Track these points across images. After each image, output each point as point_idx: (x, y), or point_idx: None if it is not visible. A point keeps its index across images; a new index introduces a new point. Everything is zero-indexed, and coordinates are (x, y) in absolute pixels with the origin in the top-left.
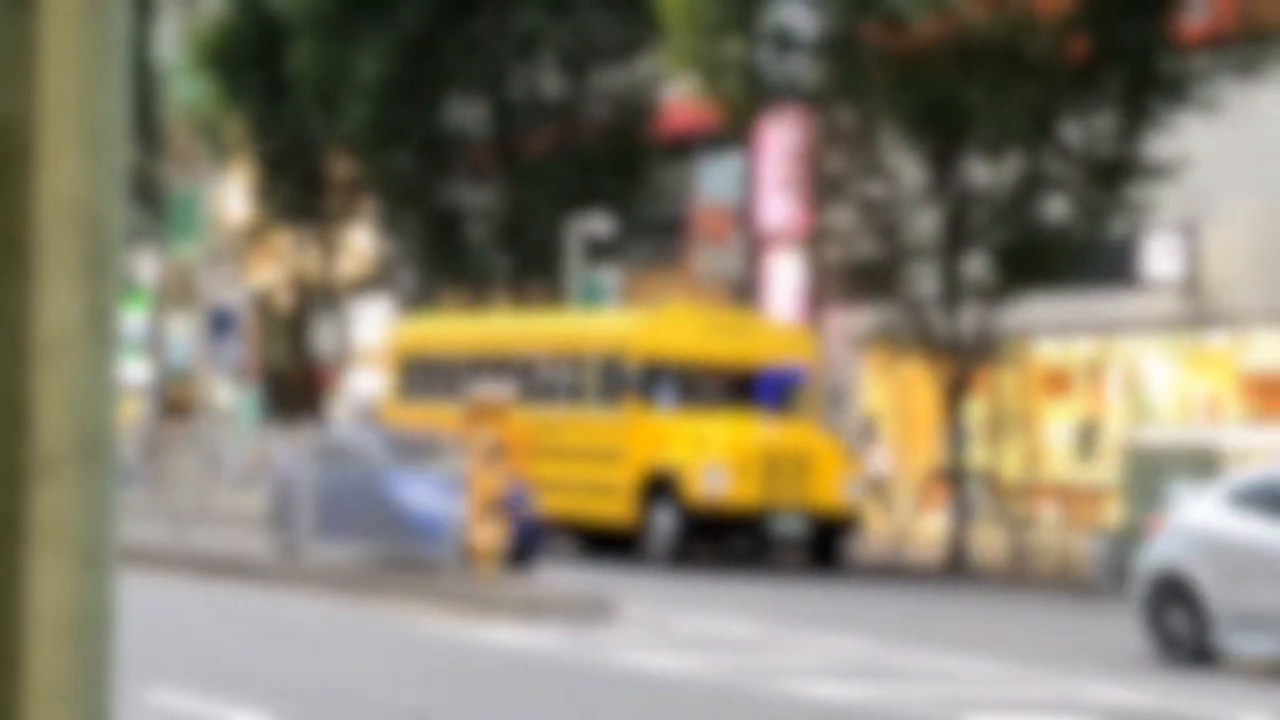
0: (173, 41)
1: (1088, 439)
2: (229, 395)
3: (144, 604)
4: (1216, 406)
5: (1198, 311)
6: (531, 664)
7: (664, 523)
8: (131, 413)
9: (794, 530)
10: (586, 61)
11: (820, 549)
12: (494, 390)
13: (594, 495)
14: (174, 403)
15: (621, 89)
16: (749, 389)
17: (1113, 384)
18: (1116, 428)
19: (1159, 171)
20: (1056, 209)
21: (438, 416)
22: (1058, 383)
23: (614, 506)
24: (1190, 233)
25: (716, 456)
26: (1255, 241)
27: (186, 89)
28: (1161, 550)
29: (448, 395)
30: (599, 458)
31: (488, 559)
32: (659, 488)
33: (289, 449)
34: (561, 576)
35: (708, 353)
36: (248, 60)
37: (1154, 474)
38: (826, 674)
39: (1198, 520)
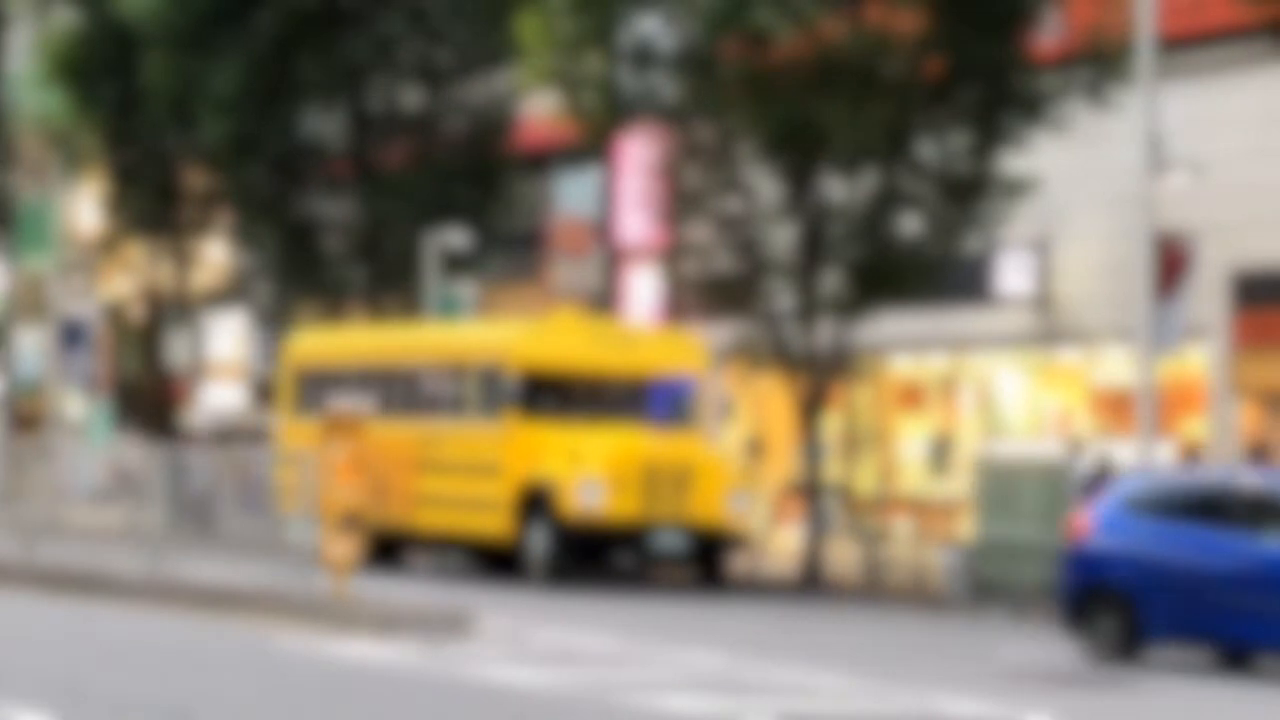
0: (24, 52)
1: (941, 453)
2: (80, 408)
3: None
4: (1067, 421)
5: (1049, 328)
6: (385, 679)
7: (540, 539)
8: None
9: (674, 546)
10: (444, 74)
11: (705, 565)
12: (350, 404)
13: (473, 511)
14: (24, 416)
15: (480, 102)
16: (639, 401)
17: (966, 399)
18: (969, 442)
19: (1012, 189)
20: (911, 225)
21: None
22: (912, 398)
23: (492, 522)
24: (1042, 250)
25: (592, 470)
26: (1105, 258)
27: (38, 99)
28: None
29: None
30: (478, 472)
31: (343, 573)
32: (536, 503)
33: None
34: (420, 591)
35: (594, 363)
36: (100, 71)
37: (1006, 488)
38: (681, 687)
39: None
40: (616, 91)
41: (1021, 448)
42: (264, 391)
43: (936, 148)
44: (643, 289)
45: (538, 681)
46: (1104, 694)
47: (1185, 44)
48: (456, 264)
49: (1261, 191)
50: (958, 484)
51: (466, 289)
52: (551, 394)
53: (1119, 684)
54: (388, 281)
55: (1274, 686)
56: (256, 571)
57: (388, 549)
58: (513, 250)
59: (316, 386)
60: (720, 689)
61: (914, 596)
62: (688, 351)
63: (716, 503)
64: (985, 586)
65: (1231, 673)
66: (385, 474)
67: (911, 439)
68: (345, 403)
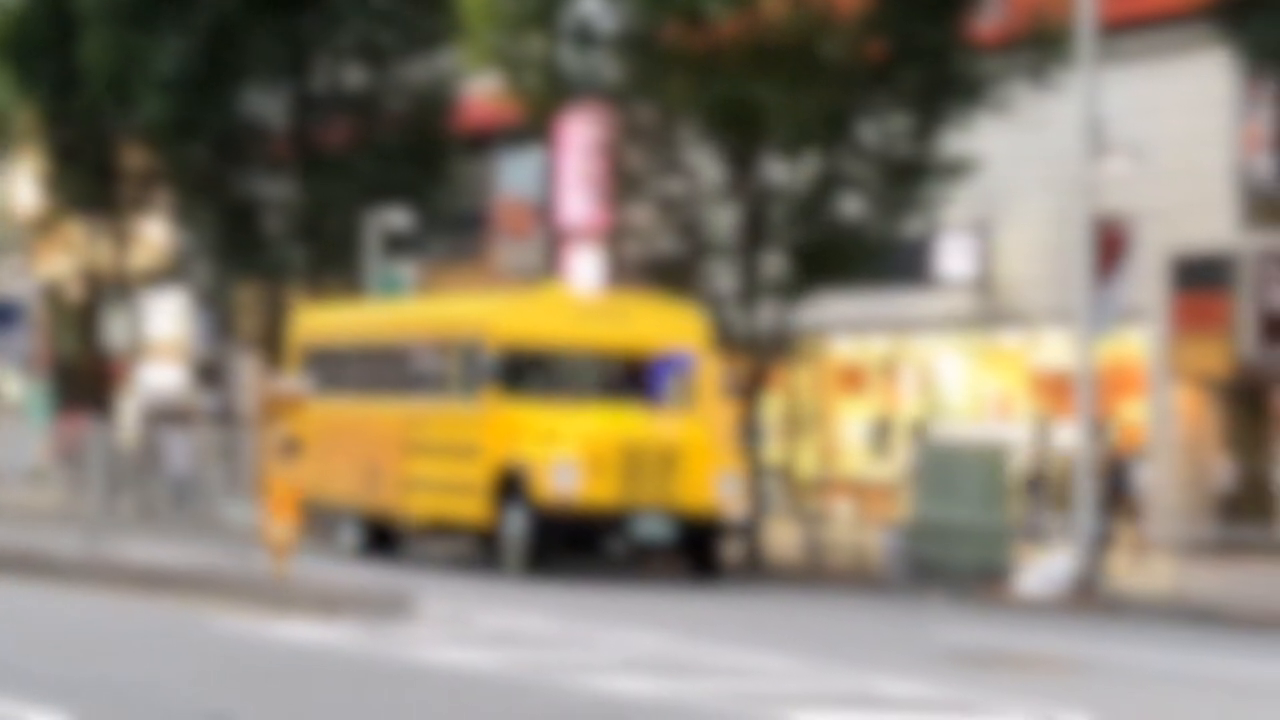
0: None
1: (882, 435)
2: (17, 388)
3: None
4: (1007, 404)
5: (990, 310)
6: (325, 660)
7: (516, 525)
8: None
9: (657, 533)
10: (387, 54)
11: (695, 553)
12: (289, 384)
13: (454, 495)
14: None
15: (422, 82)
16: (632, 378)
17: (907, 381)
18: (910, 424)
19: (952, 171)
20: (853, 208)
21: (338, 413)
22: (853, 380)
23: (471, 508)
24: (983, 233)
25: (567, 451)
26: (1045, 241)
27: None
28: None
29: (349, 389)
30: (459, 454)
31: (282, 554)
32: (512, 487)
33: (182, 442)
34: (362, 573)
35: (582, 339)
36: (39, 49)
37: (944, 470)
38: (622, 669)
39: None
40: (558, 72)
41: (960, 429)
42: (203, 372)
43: (878, 130)
44: (584, 270)
45: (476, 662)
46: (1043, 673)
47: (1126, 28)
48: (398, 244)
49: (1200, 176)
50: (898, 466)
51: (408, 269)
52: (535, 371)
53: (1060, 664)
54: (329, 262)
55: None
56: (197, 552)
57: (383, 537)
58: (454, 231)
59: (322, 364)
60: (660, 670)
61: (854, 578)
62: (685, 325)
63: (704, 487)
64: (924, 568)
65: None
66: (376, 457)
67: (852, 421)
68: (285, 382)
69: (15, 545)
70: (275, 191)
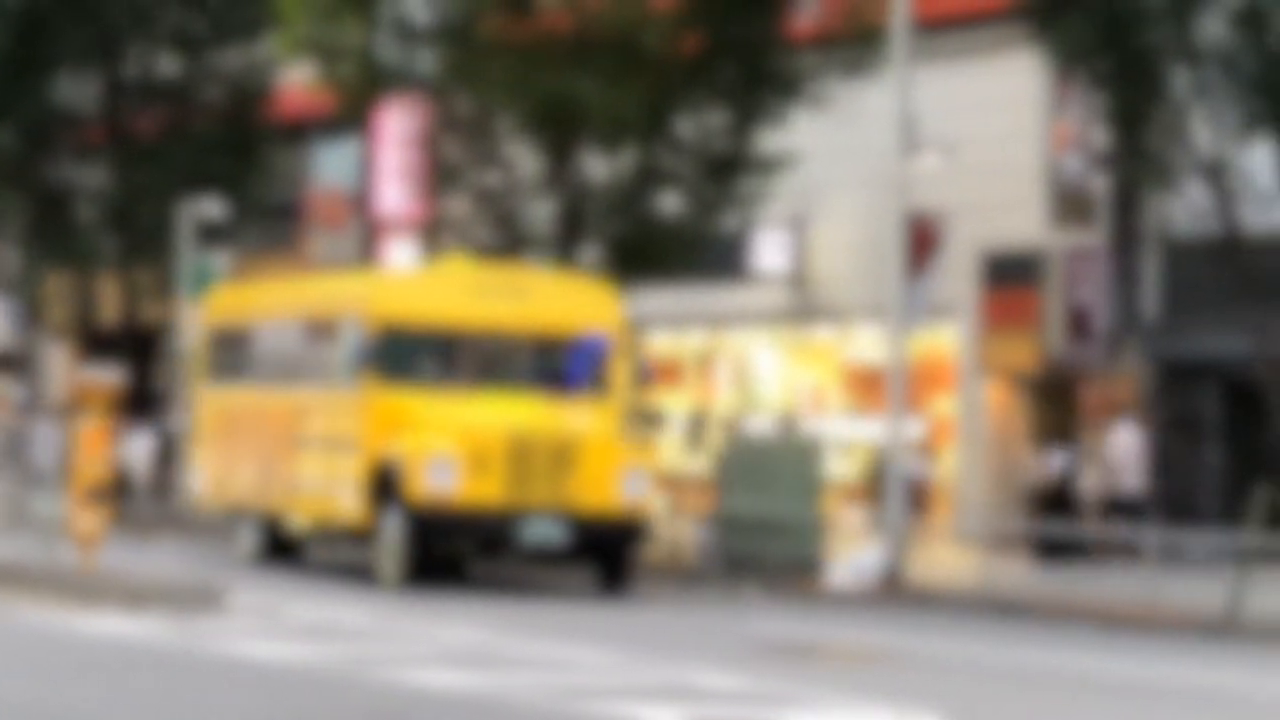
0: None
1: (697, 429)
2: None
3: None
4: (821, 398)
5: (804, 305)
6: (132, 653)
7: (392, 528)
8: None
9: (550, 537)
10: (201, 42)
11: (597, 561)
12: (99, 372)
13: (334, 495)
14: None
15: (237, 71)
16: (541, 363)
17: (722, 375)
18: (725, 418)
19: (769, 167)
20: (670, 203)
21: (237, 403)
22: (669, 373)
23: (348, 509)
24: (798, 228)
25: (444, 445)
26: (859, 237)
27: None
28: None
29: (259, 380)
30: (339, 449)
31: (90, 546)
32: (387, 486)
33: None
34: (170, 565)
35: (480, 318)
36: None
37: (756, 464)
38: (435, 662)
39: None
40: (375, 62)
41: (770, 424)
42: (8, 361)
43: (695, 125)
44: (401, 262)
45: (286, 655)
46: (853, 664)
47: (940, 26)
48: (211, 234)
49: (1010, 174)
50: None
51: (221, 260)
52: (422, 355)
53: (869, 655)
54: (141, 251)
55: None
56: (2, 544)
57: (284, 547)
58: (269, 221)
59: (226, 349)
60: (475, 664)
61: (669, 571)
62: (598, 304)
63: (606, 485)
64: (737, 561)
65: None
66: (270, 453)
67: (668, 414)
68: (93, 371)
69: None
70: (87, 179)
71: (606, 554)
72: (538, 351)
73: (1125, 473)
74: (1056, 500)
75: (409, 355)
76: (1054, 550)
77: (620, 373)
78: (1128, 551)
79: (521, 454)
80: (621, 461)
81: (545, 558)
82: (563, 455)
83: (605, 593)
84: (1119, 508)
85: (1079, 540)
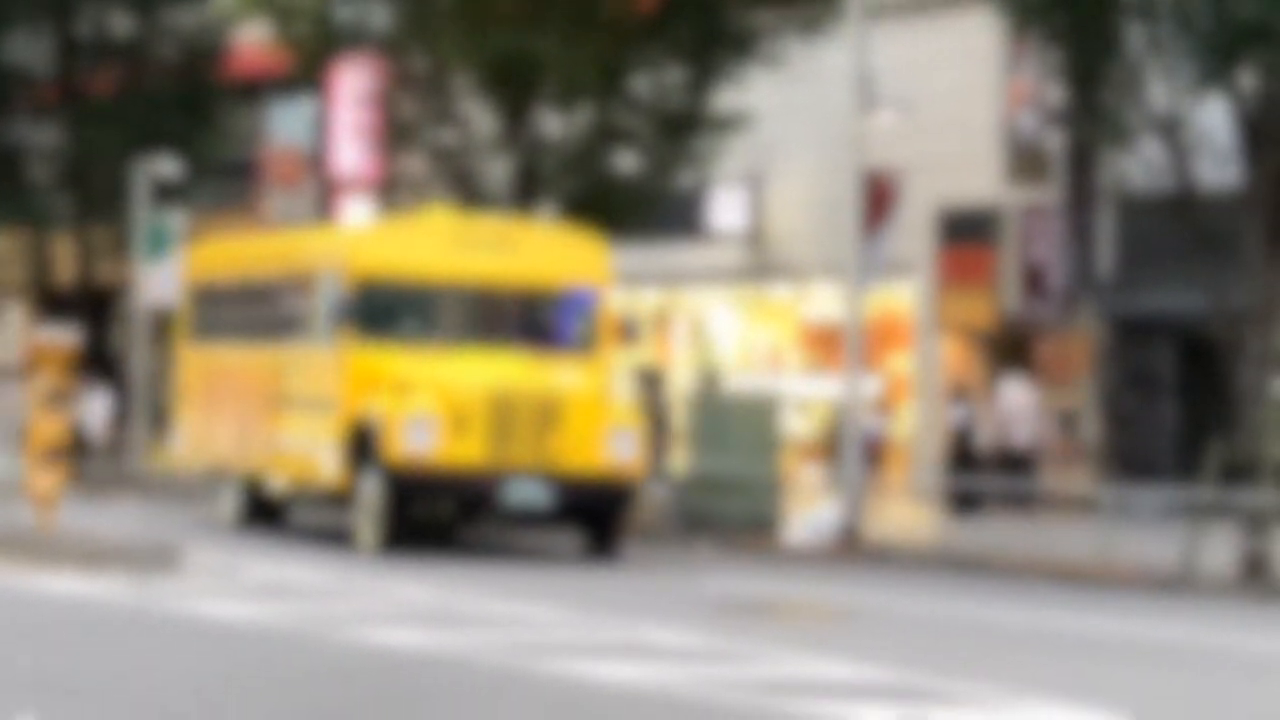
0: None
1: (652, 387)
2: None
3: None
4: (778, 356)
5: (760, 263)
6: (90, 613)
7: (369, 490)
8: None
9: (534, 499)
10: (155, 0)
11: (583, 524)
12: (55, 333)
13: (312, 455)
14: None
15: (191, 30)
16: (526, 318)
17: (679, 333)
18: (682, 376)
19: (725, 125)
20: (627, 161)
21: (217, 362)
22: (625, 332)
23: (326, 469)
24: (754, 186)
25: (423, 404)
26: (815, 195)
27: None
28: None
29: (241, 338)
30: (317, 408)
31: (47, 507)
32: (366, 445)
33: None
34: (127, 526)
35: (464, 271)
36: None
37: (717, 423)
38: (393, 620)
39: None
40: (329, 20)
41: (733, 382)
42: None
43: (652, 83)
44: (356, 220)
45: (244, 615)
46: (809, 621)
47: None
48: (167, 193)
49: (966, 131)
50: (671, 417)
51: (176, 219)
52: (404, 310)
53: (826, 612)
54: (96, 211)
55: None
56: None
57: (266, 510)
58: (224, 180)
59: (207, 306)
60: (436, 623)
61: (629, 529)
62: (587, 257)
63: (592, 444)
64: (696, 519)
65: None
66: (250, 413)
67: (624, 372)
68: (49, 331)
69: None
70: (41, 139)
71: (592, 517)
72: (523, 306)
73: (1014, 426)
74: (957, 454)
75: (388, 310)
76: (962, 503)
77: (606, 329)
78: (1020, 502)
79: (504, 413)
80: (608, 421)
81: (529, 520)
82: (547, 414)
83: (593, 557)
84: (1009, 461)
85: (978, 493)
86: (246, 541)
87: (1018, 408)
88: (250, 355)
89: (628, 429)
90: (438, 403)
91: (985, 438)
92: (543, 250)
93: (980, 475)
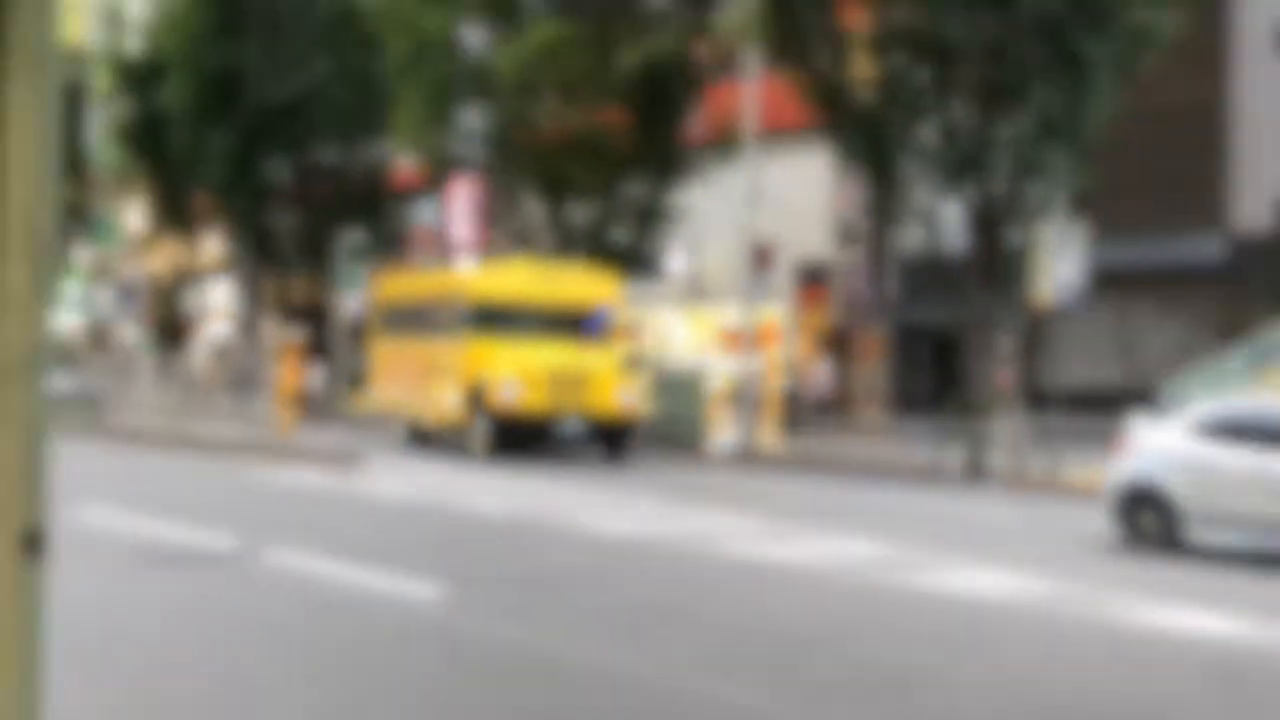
0: (97, 124)
1: (632, 365)
2: (133, 335)
3: (122, 467)
4: (705, 347)
5: (696, 293)
6: (305, 492)
7: (481, 425)
8: (72, 345)
9: (575, 431)
10: (350, 139)
11: (606, 444)
12: (293, 333)
13: (447, 405)
14: (98, 340)
15: (372, 156)
16: (568, 323)
17: (647, 333)
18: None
19: (675, 215)
20: (620, 235)
21: (397, 348)
22: (616, 332)
23: (456, 413)
24: (694, 248)
25: (511, 373)
26: (727, 255)
27: (104, 154)
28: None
29: (408, 333)
30: (450, 376)
31: (288, 429)
32: (478, 399)
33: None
34: (334, 443)
35: (531, 295)
36: (145, 139)
37: (671, 384)
38: (492, 496)
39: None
40: (447, 153)
41: (672, 359)
42: (243, 326)
43: (634, 191)
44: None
45: (402, 493)
46: (725, 496)
47: (775, 134)
48: (355, 253)
49: (814, 219)
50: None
51: (361, 270)
52: (497, 318)
53: (735, 491)
54: (316, 263)
55: None
56: (236, 427)
57: (422, 436)
58: (389, 247)
59: (390, 315)
60: (515, 497)
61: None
62: (605, 287)
63: (609, 398)
64: (660, 439)
65: None
66: (413, 379)
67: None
68: (290, 332)
69: (133, 426)
70: (285, 223)
71: (610, 439)
72: (569, 317)
73: (821, 386)
74: (790, 403)
75: (490, 319)
76: (793, 427)
77: (618, 331)
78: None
79: (558, 379)
80: (619, 383)
81: (572, 442)
82: (583, 380)
83: (609, 462)
84: (818, 407)
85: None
86: (408, 454)
87: (823, 375)
88: (412, 344)
89: (631, 388)
90: (519, 373)
91: (806, 392)
92: (580, 283)
93: (803, 413)
